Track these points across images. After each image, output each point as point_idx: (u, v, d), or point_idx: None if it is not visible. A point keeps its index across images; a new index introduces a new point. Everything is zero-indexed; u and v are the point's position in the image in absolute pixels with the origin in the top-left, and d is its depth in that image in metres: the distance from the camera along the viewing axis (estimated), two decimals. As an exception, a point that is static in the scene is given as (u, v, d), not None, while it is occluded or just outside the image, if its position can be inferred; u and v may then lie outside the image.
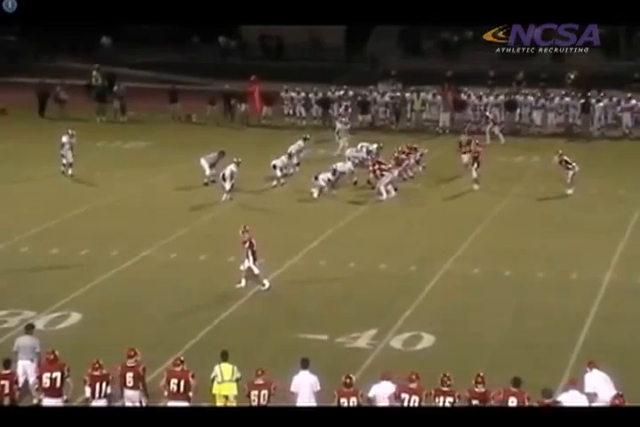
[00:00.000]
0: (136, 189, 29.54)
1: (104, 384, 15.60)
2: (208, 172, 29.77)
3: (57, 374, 15.60)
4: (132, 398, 15.84)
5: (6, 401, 15.53)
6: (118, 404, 15.89)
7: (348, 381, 15.35)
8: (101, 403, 15.63)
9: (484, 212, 27.64)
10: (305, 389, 15.73)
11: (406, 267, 23.24)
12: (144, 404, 15.85)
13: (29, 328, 17.30)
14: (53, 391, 15.61)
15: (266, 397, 15.43)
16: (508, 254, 24.12)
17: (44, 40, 45.66)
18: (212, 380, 16.06)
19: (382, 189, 28.62)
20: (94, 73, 43.20)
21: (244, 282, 21.68)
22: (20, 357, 16.74)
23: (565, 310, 20.85)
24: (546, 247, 24.53)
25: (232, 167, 28.28)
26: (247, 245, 21.32)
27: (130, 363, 15.89)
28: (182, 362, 15.90)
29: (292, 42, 47.75)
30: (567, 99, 38.03)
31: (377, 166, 29.04)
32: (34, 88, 40.65)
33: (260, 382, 15.53)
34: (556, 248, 24.47)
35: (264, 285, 21.65)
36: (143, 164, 32.21)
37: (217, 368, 16.09)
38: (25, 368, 16.67)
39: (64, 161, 30.17)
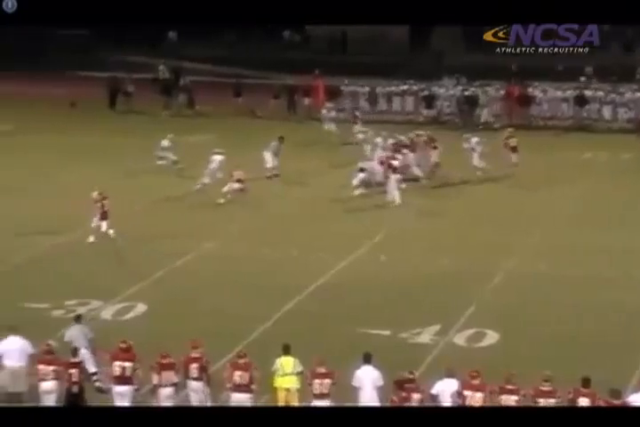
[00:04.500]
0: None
1: (171, 373, 15.80)
2: (270, 164, 29.96)
3: (128, 364, 15.81)
4: (195, 389, 15.99)
5: (75, 389, 15.79)
6: (183, 394, 16.06)
7: (410, 376, 15.31)
8: (168, 391, 15.83)
9: (549, 208, 27.39)
10: (367, 383, 15.75)
11: (470, 263, 23.12)
12: (207, 395, 15.99)
13: (78, 318, 17.58)
14: (123, 379, 15.83)
15: (328, 386, 15.47)
16: (573, 252, 23.88)
17: (113, 34, 46.07)
18: (274, 373, 16.13)
19: (395, 193, 27.86)
20: (161, 67, 43.54)
21: (92, 238, 23.68)
22: (75, 344, 16.87)
23: (633, 308, 20.57)
24: (612, 245, 24.23)
25: (218, 158, 28.22)
26: (99, 205, 23.65)
27: (194, 354, 16.04)
28: (245, 355, 16.00)
29: (357, 36, 47.68)
30: (638, 94, 37.47)
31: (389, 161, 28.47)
32: (104, 82, 41.13)
33: (322, 370, 15.58)
34: (622, 246, 24.15)
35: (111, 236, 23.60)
36: (208, 157, 32.32)
37: (278, 361, 16.17)
38: (82, 356, 16.87)
39: (163, 161, 30.09)
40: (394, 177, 27.85)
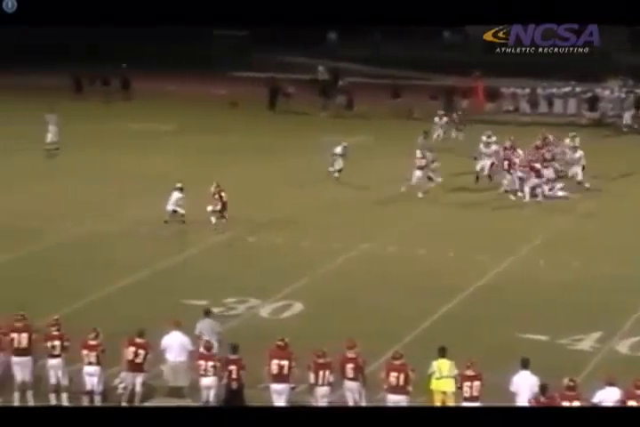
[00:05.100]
0: (360, 182, 29.73)
1: (327, 372, 15.86)
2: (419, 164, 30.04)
3: (285, 362, 15.94)
4: (351, 389, 16.02)
5: (234, 386, 16.03)
6: (339, 393, 16.12)
7: (571, 384, 14.96)
8: (324, 390, 15.91)
9: None
10: (525, 389, 15.47)
11: (635, 267, 22.46)
12: (363, 395, 16.00)
13: (207, 313, 17.82)
14: (280, 378, 15.98)
15: (478, 388, 15.30)
16: None
17: (272, 35, 46.77)
18: (430, 375, 16.03)
19: (526, 189, 27.83)
20: (320, 68, 43.96)
21: (214, 220, 24.87)
22: (205, 338, 16.98)
23: None
24: None
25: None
26: (217, 196, 24.78)
27: (350, 354, 16.05)
28: (401, 356, 15.93)
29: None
30: None
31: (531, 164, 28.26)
32: (264, 82, 41.79)
33: (471, 373, 15.42)
34: None
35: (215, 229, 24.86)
36: (366, 158, 32.42)
37: (435, 364, 16.06)
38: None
39: (334, 168, 30.08)
40: (533, 180, 27.79)
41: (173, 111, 40.17)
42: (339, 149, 30.06)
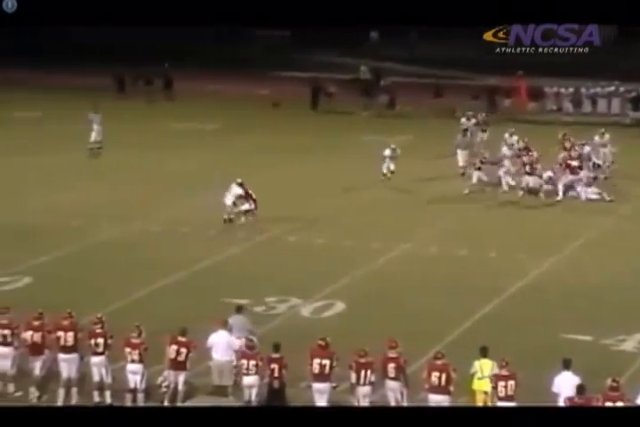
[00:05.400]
0: (401, 182, 29.69)
1: (369, 372, 15.86)
2: (462, 163, 29.81)
3: (327, 362, 15.95)
4: (393, 388, 16.01)
5: (276, 384, 16.07)
6: (381, 393, 16.13)
7: (614, 384, 14.85)
8: (366, 389, 15.91)
9: None
10: (566, 390, 15.36)
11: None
12: (405, 395, 16.00)
13: (239, 309, 17.83)
14: (321, 377, 16.00)
15: (513, 387, 15.24)
16: None
17: (314, 35, 46.85)
18: (472, 375, 15.99)
19: (560, 187, 27.75)
20: (362, 67, 43.97)
21: (243, 219, 25.24)
22: (235, 334, 17.14)
23: None
24: None
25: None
26: (242, 192, 24.99)
27: (391, 354, 16.04)
28: (443, 356, 15.91)
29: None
30: None
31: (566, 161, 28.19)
32: (307, 82, 41.87)
33: (505, 373, 15.37)
34: None
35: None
36: (407, 157, 32.36)
37: (477, 364, 16.01)
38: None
39: (387, 170, 29.93)
40: (568, 177, 27.66)
41: (216, 111, 40.35)
42: (387, 152, 29.86)
